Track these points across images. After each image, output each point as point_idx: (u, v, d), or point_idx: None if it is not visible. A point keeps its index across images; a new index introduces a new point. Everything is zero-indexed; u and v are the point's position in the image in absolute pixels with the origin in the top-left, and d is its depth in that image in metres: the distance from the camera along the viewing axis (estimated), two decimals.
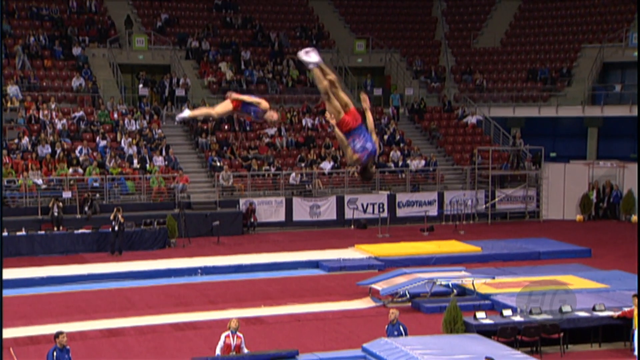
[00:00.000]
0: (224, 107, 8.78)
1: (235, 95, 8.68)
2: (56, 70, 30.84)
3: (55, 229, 23.73)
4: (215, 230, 24.97)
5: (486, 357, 10.31)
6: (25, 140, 26.74)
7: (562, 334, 14.26)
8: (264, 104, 8.61)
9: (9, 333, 14.27)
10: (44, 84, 30.11)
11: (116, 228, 22.98)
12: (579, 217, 29.96)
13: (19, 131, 27.12)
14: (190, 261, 21.14)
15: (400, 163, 29.88)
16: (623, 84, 33.36)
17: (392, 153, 30.12)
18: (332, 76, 7.85)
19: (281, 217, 27.46)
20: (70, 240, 23.37)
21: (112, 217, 23.08)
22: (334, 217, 28.00)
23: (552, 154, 32.58)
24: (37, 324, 15.77)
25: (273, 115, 8.73)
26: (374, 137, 7.88)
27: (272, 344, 14.01)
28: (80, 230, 23.67)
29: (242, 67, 33.22)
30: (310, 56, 7.85)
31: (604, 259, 21.92)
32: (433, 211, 28.79)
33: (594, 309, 14.99)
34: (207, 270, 20.41)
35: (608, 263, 21.13)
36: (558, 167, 30.58)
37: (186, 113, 9.01)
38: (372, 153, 7.74)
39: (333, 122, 7.78)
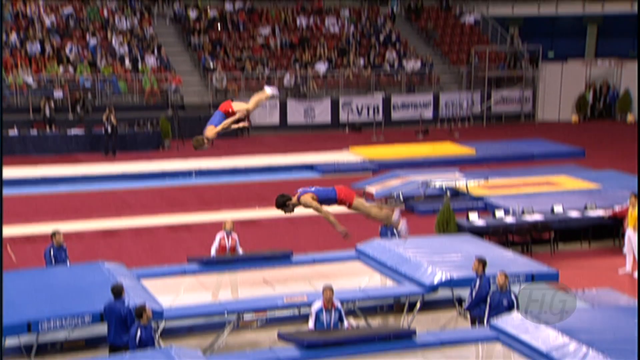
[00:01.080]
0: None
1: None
2: None
3: (48, 129, 23.58)
4: None
5: (476, 257, 10.44)
6: (14, 36, 26.16)
7: (552, 234, 14.46)
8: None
9: (5, 232, 14.32)
10: None
11: (109, 129, 22.84)
12: (574, 117, 29.87)
13: (6, 27, 26.50)
14: (184, 163, 21.13)
15: (395, 64, 29.45)
16: None
17: (387, 54, 29.64)
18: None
19: (275, 119, 27.28)
20: (64, 140, 23.29)
21: (104, 118, 22.90)
22: (329, 119, 27.82)
23: (550, 54, 32.13)
24: (33, 223, 15.91)
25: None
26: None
27: (266, 245, 14.17)
28: (73, 131, 23.55)
29: None
30: None
31: (597, 159, 22.00)
32: (428, 114, 28.62)
33: (585, 209, 15.14)
34: (201, 173, 20.43)
35: (602, 163, 21.19)
36: (555, 66, 30.22)
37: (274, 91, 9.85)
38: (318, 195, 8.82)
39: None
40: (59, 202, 17.96)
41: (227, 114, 9.44)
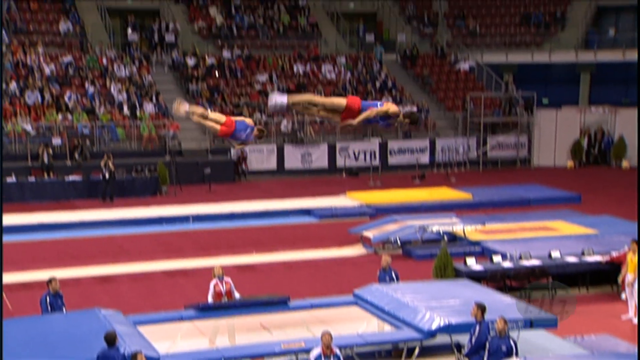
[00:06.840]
0: (216, 120, 10.14)
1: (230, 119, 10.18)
2: (43, 14, 30.27)
3: (46, 175, 23.64)
4: (207, 178, 24.94)
5: (475, 302, 10.40)
6: (13, 85, 26.40)
7: (550, 279, 14.42)
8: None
9: None
10: (31, 27, 29.58)
11: (107, 175, 22.90)
12: (569, 163, 30.04)
13: (6, 75, 26.76)
14: (181, 209, 21.14)
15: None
16: (617, 29, 33.06)
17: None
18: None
19: (273, 165, 27.41)
20: (61, 187, 23.33)
21: (102, 164, 22.99)
22: (326, 165, 27.96)
23: (545, 100, 32.47)
24: (29, 270, 15.83)
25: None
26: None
27: (263, 290, 14.10)
28: (71, 177, 23.60)
29: (233, 12, 32.69)
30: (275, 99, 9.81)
31: (593, 205, 22.05)
32: (425, 159, 28.80)
33: (582, 254, 15.13)
34: (198, 218, 20.43)
35: (598, 208, 21.25)
36: (550, 113, 30.51)
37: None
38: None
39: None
40: (55, 248, 17.91)
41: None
